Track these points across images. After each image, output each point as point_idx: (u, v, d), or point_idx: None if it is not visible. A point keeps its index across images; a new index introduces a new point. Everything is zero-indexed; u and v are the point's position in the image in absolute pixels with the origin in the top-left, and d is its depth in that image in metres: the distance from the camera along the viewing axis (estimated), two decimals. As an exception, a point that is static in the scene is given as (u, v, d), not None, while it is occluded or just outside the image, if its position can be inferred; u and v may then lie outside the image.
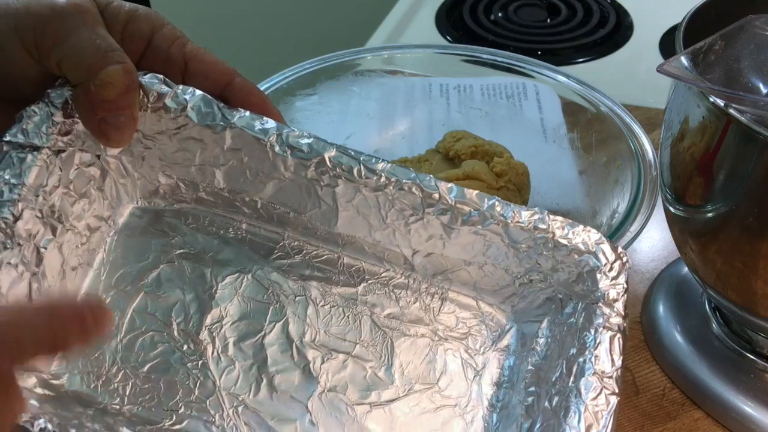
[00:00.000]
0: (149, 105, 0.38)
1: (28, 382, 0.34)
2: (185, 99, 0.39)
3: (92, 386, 0.37)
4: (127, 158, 0.40)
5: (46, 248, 0.36)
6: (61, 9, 0.36)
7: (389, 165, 0.40)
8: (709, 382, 0.53)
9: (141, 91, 0.38)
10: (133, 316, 0.39)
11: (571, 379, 0.38)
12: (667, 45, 0.91)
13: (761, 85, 0.47)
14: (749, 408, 0.51)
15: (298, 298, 0.42)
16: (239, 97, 0.40)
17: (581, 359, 0.38)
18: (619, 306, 0.40)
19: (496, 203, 0.41)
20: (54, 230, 0.37)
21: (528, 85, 0.68)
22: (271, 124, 0.40)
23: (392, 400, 0.40)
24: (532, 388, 0.40)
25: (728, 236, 0.46)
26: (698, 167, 0.46)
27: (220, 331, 0.40)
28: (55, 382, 0.37)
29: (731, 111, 0.42)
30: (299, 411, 0.39)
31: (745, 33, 0.45)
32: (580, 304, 0.41)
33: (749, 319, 0.49)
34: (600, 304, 0.40)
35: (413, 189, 0.40)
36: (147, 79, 0.38)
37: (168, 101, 0.38)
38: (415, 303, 0.43)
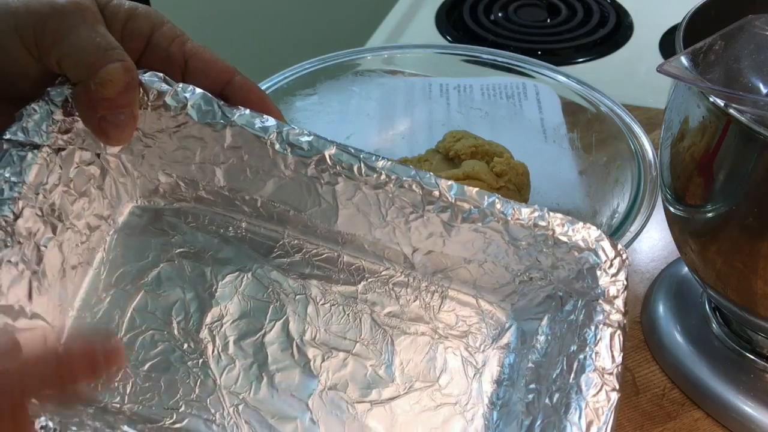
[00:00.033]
0: (149, 103, 0.38)
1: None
2: (185, 97, 0.39)
3: (92, 385, 0.37)
4: (126, 157, 0.40)
5: (46, 247, 0.36)
6: (61, 7, 0.36)
7: (389, 163, 0.40)
8: (709, 382, 0.53)
9: (141, 90, 0.38)
10: (133, 314, 0.39)
11: (572, 375, 0.38)
12: (667, 45, 0.91)
13: (761, 85, 0.47)
14: (749, 408, 0.51)
15: (298, 297, 0.42)
16: (239, 95, 0.40)
17: (582, 356, 0.38)
18: (619, 303, 0.40)
19: (496, 200, 0.41)
20: (54, 229, 0.37)
21: (528, 85, 0.68)
22: (271, 122, 0.40)
23: (393, 398, 0.40)
24: (533, 386, 0.40)
25: (728, 236, 0.46)
26: (698, 167, 0.46)
27: (220, 329, 0.40)
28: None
29: (731, 111, 0.42)
30: (300, 409, 0.39)
31: (745, 33, 0.45)
32: (580, 302, 0.41)
33: (749, 319, 0.49)
34: (600, 301, 0.40)
35: (413, 186, 0.40)
36: (147, 77, 0.38)
37: (168, 99, 0.38)
38: (415, 301, 0.43)
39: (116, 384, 0.37)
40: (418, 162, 0.62)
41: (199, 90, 0.39)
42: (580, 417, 0.36)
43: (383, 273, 0.43)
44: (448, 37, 0.94)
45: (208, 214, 0.42)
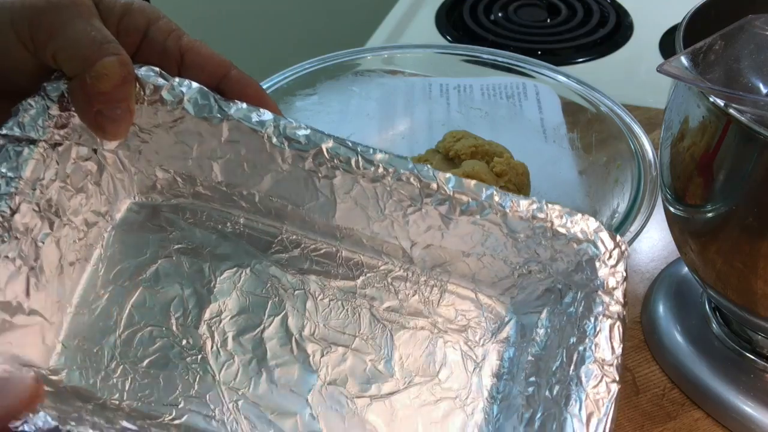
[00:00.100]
0: (145, 98, 0.38)
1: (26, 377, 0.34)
2: (182, 91, 0.39)
3: (91, 381, 0.37)
4: (124, 153, 0.40)
5: (43, 243, 0.36)
6: (56, 1, 0.36)
7: (387, 156, 0.40)
8: (709, 382, 0.53)
9: (137, 84, 0.38)
10: (131, 311, 0.39)
11: (572, 367, 0.38)
12: (667, 45, 0.91)
13: (761, 85, 0.47)
14: (749, 408, 0.51)
15: (297, 292, 0.42)
16: (236, 89, 0.40)
17: (581, 347, 0.38)
18: (619, 294, 0.40)
19: (495, 193, 0.41)
20: (51, 224, 0.37)
21: (528, 85, 0.68)
22: (268, 115, 0.40)
23: (392, 393, 0.40)
24: (533, 378, 0.40)
25: (728, 236, 0.46)
26: (698, 167, 0.46)
27: (219, 325, 0.40)
28: (53, 377, 0.37)
29: (731, 111, 0.42)
30: (299, 404, 0.39)
31: (745, 33, 0.45)
32: (579, 294, 0.41)
33: (749, 319, 0.49)
34: (599, 293, 0.40)
35: (411, 179, 0.40)
36: (143, 71, 0.38)
37: (164, 93, 0.38)
38: (414, 296, 0.43)
39: (115, 380, 0.37)
40: (418, 162, 0.62)
41: (195, 84, 0.39)
42: (580, 409, 0.36)
43: (382, 268, 0.43)
44: (448, 37, 0.94)
45: (206, 210, 0.42)
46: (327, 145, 0.40)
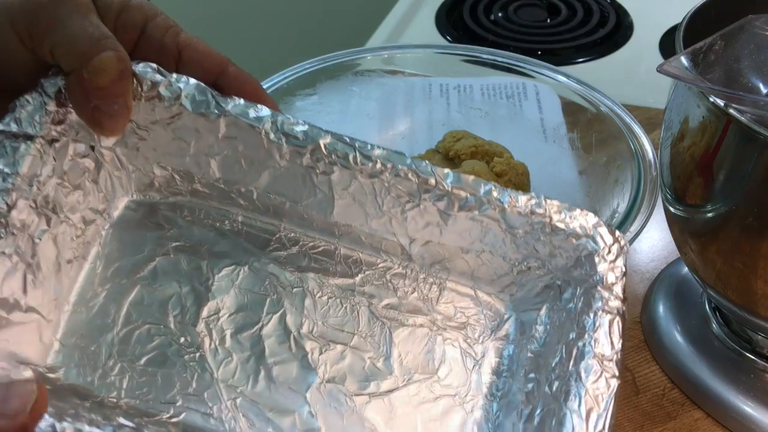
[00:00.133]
0: (143, 94, 0.38)
1: (23, 374, 0.34)
2: (179, 87, 0.38)
3: (89, 379, 0.37)
4: (121, 150, 0.40)
5: (40, 239, 0.36)
6: None
7: (385, 152, 0.40)
8: (709, 382, 0.53)
9: (135, 80, 0.38)
10: (129, 309, 0.39)
11: (571, 362, 0.38)
12: (667, 45, 0.91)
13: (761, 85, 0.47)
14: (749, 408, 0.51)
15: (295, 290, 0.41)
16: (233, 85, 0.40)
17: (581, 343, 0.38)
18: (618, 289, 0.40)
19: (493, 188, 0.41)
20: (48, 221, 0.37)
21: (528, 85, 0.68)
22: (265, 111, 0.39)
23: (391, 390, 0.40)
24: (532, 375, 0.40)
25: (728, 236, 0.46)
26: (698, 167, 0.46)
27: (217, 323, 0.40)
28: (51, 375, 0.36)
29: (731, 111, 0.42)
30: (298, 402, 0.39)
31: (745, 33, 0.45)
32: (578, 289, 0.40)
33: (749, 319, 0.49)
34: (598, 288, 0.39)
35: (409, 175, 0.40)
36: (140, 68, 0.38)
37: (162, 90, 0.38)
38: (413, 293, 0.43)
39: (112, 378, 0.37)
40: (418, 162, 0.62)
41: (193, 80, 0.39)
42: (579, 404, 0.36)
43: (380, 265, 0.43)
44: (448, 37, 0.94)
45: (204, 208, 0.42)
46: (325, 140, 0.40)
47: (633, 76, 0.87)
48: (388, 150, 0.40)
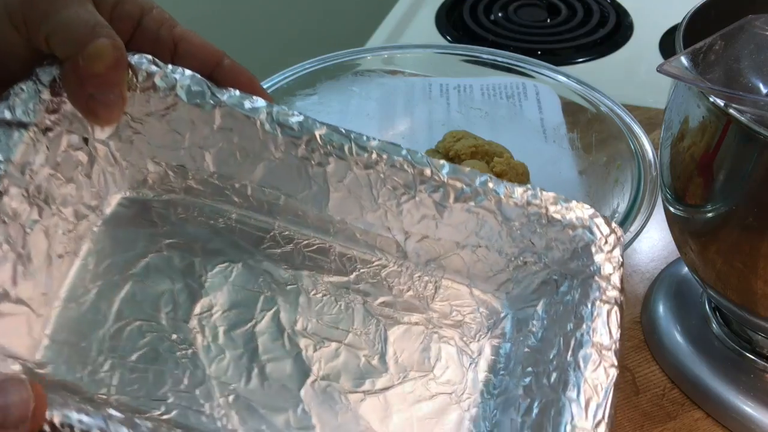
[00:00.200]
0: (138, 84, 0.38)
1: (11, 368, 0.34)
2: (175, 78, 0.38)
3: (78, 376, 0.36)
4: (115, 144, 0.40)
5: (31, 229, 0.36)
6: None
7: (380, 142, 0.40)
8: (709, 382, 0.53)
9: (130, 71, 0.38)
10: (120, 305, 0.38)
11: (569, 353, 0.37)
12: (667, 45, 0.91)
13: (761, 85, 0.47)
14: (749, 408, 0.51)
15: (289, 287, 0.41)
16: (229, 77, 0.40)
17: (578, 333, 0.38)
18: (615, 279, 0.39)
19: (489, 180, 0.40)
20: (40, 212, 0.36)
21: (528, 85, 0.68)
22: (261, 102, 0.39)
23: (387, 388, 0.39)
24: (530, 368, 0.39)
25: (728, 236, 0.46)
26: (698, 167, 0.46)
27: (210, 320, 0.39)
28: (39, 371, 0.36)
29: (731, 111, 0.42)
30: (291, 400, 0.38)
31: (745, 33, 0.45)
32: (575, 281, 0.40)
33: (749, 319, 0.49)
34: (595, 278, 0.39)
35: (405, 166, 0.40)
36: (136, 59, 0.38)
37: (157, 80, 0.38)
38: (408, 291, 0.42)
39: (102, 375, 0.36)
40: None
41: (188, 71, 0.39)
42: (579, 394, 0.36)
43: (376, 263, 0.43)
44: (448, 37, 0.94)
45: (198, 206, 0.42)
46: (320, 131, 0.40)
47: (633, 76, 0.87)
48: (384, 141, 0.40)
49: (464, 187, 0.40)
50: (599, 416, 0.36)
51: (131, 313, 0.38)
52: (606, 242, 0.40)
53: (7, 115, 0.35)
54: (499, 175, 0.59)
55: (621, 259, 0.40)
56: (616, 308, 0.39)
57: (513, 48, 0.90)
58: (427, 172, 0.40)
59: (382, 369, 0.40)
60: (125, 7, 0.38)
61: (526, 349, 0.41)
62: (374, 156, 0.40)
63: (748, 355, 0.53)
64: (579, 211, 0.41)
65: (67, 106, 0.37)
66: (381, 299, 0.42)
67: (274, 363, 0.39)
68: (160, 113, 0.39)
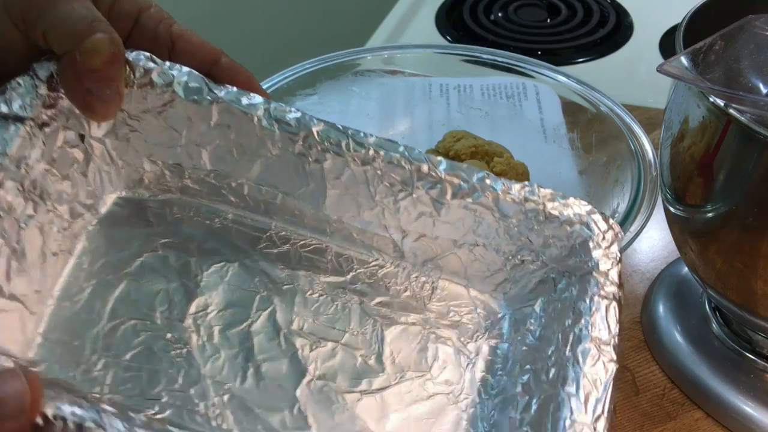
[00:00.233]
0: (135, 81, 0.38)
1: (3, 364, 0.33)
2: (172, 75, 0.38)
3: (71, 374, 0.36)
4: (111, 142, 0.40)
5: (26, 225, 0.35)
6: None
7: (378, 139, 0.40)
8: (709, 382, 0.53)
9: (127, 68, 0.38)
10: (114, 304, 0.38)
11: (568, 348, 0.37)
12: (667, 45, 0.91)
13: (761, 85, 0.47)
14: (749, 408, 0.51)
15: (285, 287, 0.41)
16: (226, 75, 0.40)
17: (577, 328, 0.37)
18: (614, 274, 0.39)
19: (486, 176, 0.40)
20: (35, 207, 0.36)
21: (528, 85, 0.68)
22: (258, 99, 0.39)
23: (383, 388, 0.39)
24: (528, 366, 0.39)
25: (728, 236, 0.46)
26: (698, 167, 0.46)
27: (205, 319, 0.39)
28: (32, 369, 0.35)
29: (731, 111, 0.42)
30: (287, 400, 0.38)
31: (745, 33, 0.45)
32: (573, 278, 0.40)
33: (749, 319, 0.49)
34: (594, 274, 0.39)
35: (402, 162, 0.40)
36: (133, 55, 0.38)
37: (154, 77, 0.38)
38: (405, 291, 0.42)
39: (96, 374, 0.36)
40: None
41: (185, 68, 0.39)
42: (578, 389, 0.36)
43: (372, 263, 0.43)
44: (448, 37, 0.94)
45: (194, 206, 0.42)
46: (317, 128, 0.39)
47: (633, 76, 0.87)
48: (381, 138, 0.40)
49: (461, 183, 0.40)
50: (599, 411, 0.35)
51: (126, 312, 0.38)
52: (604, 238, 0.40)
53: (4, 108, 0.35)
54: (499, 175, 0.59)
55: (619, 255, 0.40)
56: (614, 303, 0.38)
57: (513, 48, 0.90)
58: (425, 168, 0.40)
59: (379, 369, 0.40)
60: (123, 5, 0.38)
61: (524, 348, 0.40)
62: (371, 152, 0.40)
63: (748, 355, 0.53)
64: (576, 207, 0.41)
65: (64, 102, 0.37)
66: (378, 299, 0.42)
67: (269, 363, 0.38)
68: (157, 110, 0.39)
